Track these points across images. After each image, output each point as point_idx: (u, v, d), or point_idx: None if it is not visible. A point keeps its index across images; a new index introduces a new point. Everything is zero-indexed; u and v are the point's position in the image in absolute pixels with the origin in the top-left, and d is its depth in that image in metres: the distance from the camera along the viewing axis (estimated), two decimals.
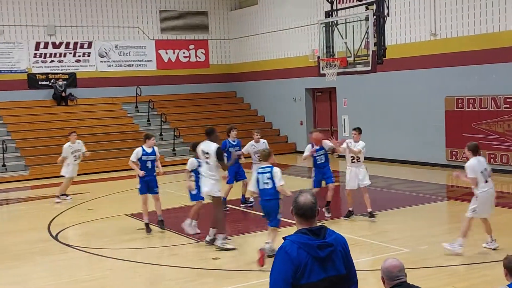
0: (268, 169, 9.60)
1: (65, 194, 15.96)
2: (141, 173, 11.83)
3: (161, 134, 24.29)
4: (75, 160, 16.11)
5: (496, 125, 17.18)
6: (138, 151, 11.97)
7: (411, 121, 19.34)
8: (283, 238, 4.11)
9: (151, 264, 9.73)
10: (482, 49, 17.40)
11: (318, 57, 16.17)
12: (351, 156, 12.21)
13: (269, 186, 9.50)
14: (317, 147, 12.44)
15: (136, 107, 25.68)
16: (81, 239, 11.67)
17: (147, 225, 11.94)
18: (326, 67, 15.62)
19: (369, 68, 14.80)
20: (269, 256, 9.49)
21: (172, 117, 25.39)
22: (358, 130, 12.61)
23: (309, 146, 12.67)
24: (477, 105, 17.62)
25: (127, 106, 25.63)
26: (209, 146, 10.36)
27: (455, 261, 9.17)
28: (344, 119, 22.60)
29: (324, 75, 15.85)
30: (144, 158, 11.97)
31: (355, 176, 12.13)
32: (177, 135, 23.97)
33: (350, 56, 15.24)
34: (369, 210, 12.09)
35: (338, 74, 15.59)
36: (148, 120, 25.16)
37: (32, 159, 21.28)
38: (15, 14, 24.13)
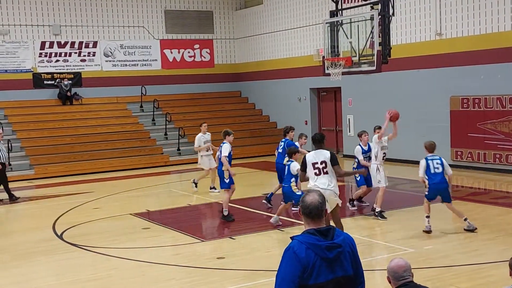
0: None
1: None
2: (233, 171, 12.50)
3: (165, 134, 24.33)
4: (207, 151, 16.53)
5: (502, 125, 17.13)
6: (228, 147, 12.46)
7: (416, 120, 19.30)
8: (291, 238, 4.10)
9: (156, 264, 9.74)
10: (488, 48, 17.36)
11: (323, 57, 16.14)
12: (384, 153, 12.48)
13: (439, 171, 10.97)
14: (365, 148, 12.83)
15: (141, 106, 25.71)
16: (86, 238, 11.68)
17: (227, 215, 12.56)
18: (331, 66, 15.59)
19: (374, 68, 14.76)
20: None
21: (177, 117, 25.41)
22: (380, 128, 12.83)
23: (359, 148, 12.86)
24: (482, 105, 17.57)
25: (132, 105, 25.67)
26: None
27: (459, 261, 9.15)
28: (349, 119, 22.58)
29: (329, 74, 15.82)
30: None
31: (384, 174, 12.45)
32: (182, 134, 23.99)
33: (355, 56, 15.20)
34: (379, 209, 12.22)
35: (343, 73, 15.55)
36: (153, 120, 25.19)
37: (37, 158, 21.34)
38: (21, 14, 24.19)
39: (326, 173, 9.27)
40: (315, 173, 9.30)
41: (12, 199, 16.25)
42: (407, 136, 19.88)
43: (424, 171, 10.92)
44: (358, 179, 13.00)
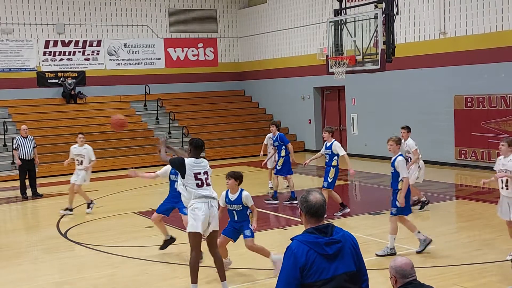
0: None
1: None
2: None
3: (169, 133, 24.34)
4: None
5: (506, 124, 17.10)
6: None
7: (420, 120, 19.27)
8: (290, 239, 4.11)
9: (159, 262, 9.75)
10: (492, 47, 17.33)
11: (327, 56, 16.13)
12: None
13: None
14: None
15: (145, 105, 25.74)
16: (90, 237, 11.71)
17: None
18: (335, 65, 15.58)
19: (378, 67, 14.76)
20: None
21: (180, 116, 25.43)
22: (407, 128, 12.68)
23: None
24: (486, 104, 17.54)
25: (135, 104, 25.70)
26: None
27: (463, 260, 9.14)
28: (353, 118, 22.57)
29: (332, 73, 15.82)
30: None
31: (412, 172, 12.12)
32: (186, 133, 24.00)
33: (359, 55, 15.20)
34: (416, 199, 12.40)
35: (347, 72, 15.55)
36: (157, 119, 25.21)
37: (40, 157, 21.29)
38: (25, 13, 24.23)
39: (209, 184, 8.09)
40: (197, 184, 7.98)
41: (25, 196, 16.50)
42: (411, 135, 19.85)
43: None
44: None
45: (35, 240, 11.78)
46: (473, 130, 17.92)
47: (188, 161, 7.96)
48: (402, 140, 11.69)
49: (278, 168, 14.41)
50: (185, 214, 8.84)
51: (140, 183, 18.38)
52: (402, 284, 4.63)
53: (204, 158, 8.31)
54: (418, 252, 9.50)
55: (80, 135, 14.55)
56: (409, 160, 12.20)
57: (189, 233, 7.93)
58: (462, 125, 18.24)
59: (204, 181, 7.98)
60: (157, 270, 9.40)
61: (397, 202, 9.32)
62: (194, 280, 7.93)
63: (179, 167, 7.91)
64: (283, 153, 14.36)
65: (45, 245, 11.32)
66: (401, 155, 9.48)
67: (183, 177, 7.93)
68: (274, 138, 14.82)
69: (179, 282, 8.79)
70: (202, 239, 8.03)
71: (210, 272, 9.05)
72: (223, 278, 8.06)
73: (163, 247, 10.24)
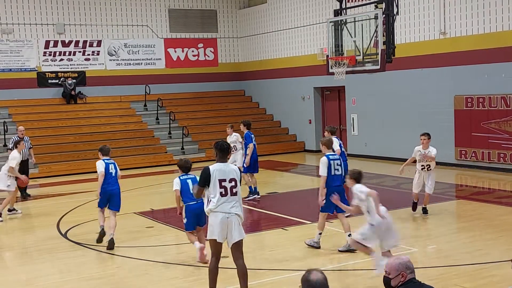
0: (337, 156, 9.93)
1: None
2: None
3: (169, 133, 24.35)
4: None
5: (506, 124, 17.11)
6: None
7: (420, 120, 19.28)
8: None
9: (159, 262, 9.75)
10: (492, 47, 17.34)
11: (327, 56, 16.14)
12: (422, 165, 12.17)
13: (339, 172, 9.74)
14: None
15: (145, 105, 25.74)
16: (90, 237, 11.70)
17: None
18: (335, 65, 15.58)
19: (378, 67, 14.76)
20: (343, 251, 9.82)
21: (180, 116, 25.43)
22: (427, 135, 12.37)
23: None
24: (486, 104, 17.55)
25: (135, 104, 25.70)
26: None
27: (463, 261, 9.14)
28: (353, 118, 22.57)
29: (333, 73, 15.82)
30: None
31: (422, 181, 12.21)
32: (186, 133, 24.01)
33: (359, 55, 15.20)
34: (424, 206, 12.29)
35: (347, 72, 15.55)
36: (157, 119, 25.21)
37: (41, 157, 21.35)
38: (25, 13, 24.24)
39: (235, 194, 7.53)
40: (221, 193, 7.46)
41: (23, 195, 16.39)
42: (411, 136, 19.86)
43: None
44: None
45: (35, 241, 11.78)
46: (473, 130, 17.93)
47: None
48: (421, 149, 12.11)
49: (245, 166, 14.79)
50: None
51: (141, 183, 18.39)
52: (404, 282, 4.78)
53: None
54: (340, 251, 9.79)
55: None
56: (429, 168, 12.14)
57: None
58: (462, 125, 18.24)
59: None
60: (157, 270, 9.40)
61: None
62: (211, 284, 7.68)
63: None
64: (248, 151, 14.79)
65: (46, 245, 11.32)
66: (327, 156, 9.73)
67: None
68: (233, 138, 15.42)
69: (179, 283, 8.80)
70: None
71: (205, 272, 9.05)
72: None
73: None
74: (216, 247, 7.60)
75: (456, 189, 16.22)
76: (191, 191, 9.15)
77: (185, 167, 9.74)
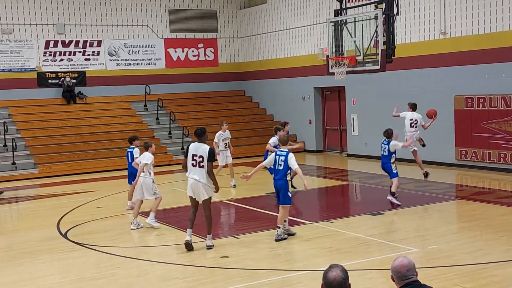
0: (284, 153, 10.70)
1: None
2: None
3: (170, 133, 24.36)
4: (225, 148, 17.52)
5: (506, 124, 17.10)
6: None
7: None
8: None
9: (159, 262, 9.75)
10: (492, 48, 17.33)
11: (327, 56, 16.12)
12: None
13: (281, 167, 10.62)
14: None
15: (145, 105, 25.74)
16: (90, 237, 11.70)
17: None
18: (335, 66, 15.58)
19: (378, 67, 14.75)
20: (278, 240, 10.45)
21: (181, 116, 25.43)
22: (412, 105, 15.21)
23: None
24: (486, 104, 17.54)
25: (136, 104, 25.70)
26: None
27: (463, 261, 9.14)
28: (353, 118, 22.56)
29: (333, 74, 15.81)
30: None
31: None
32: (186, 133, 24.00)
33: (359, 55, 15.19)
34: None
35: (347, 73, 15.54)
36: (157, 119, 25.21)
37: (41, 157, 21.38)
38: (25, 13, 24.24)
39: (202, 167, 10.09)
40: (192, 164, 10.15)
41: None
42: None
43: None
44: (395, 171, 13.61)
45: (35, 241, 11.77)
46: (473, 130, 17.92)
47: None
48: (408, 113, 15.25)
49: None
50: None
51: None
52: (400, 286, 4.59)
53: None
54: (276, 240, 10.55)
55: None
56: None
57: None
58: (463, 125, 18.23)
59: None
60: (157, 270, 9.40)
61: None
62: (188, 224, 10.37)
63: None
64: None
65: (46, 245, 11.32)
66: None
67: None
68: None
69: (179, 283, 8.79)
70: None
71: (211, 271, 9.06)
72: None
73: None
74: (191, 201, 10.39)
75: (457, 189, 16.22)
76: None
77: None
